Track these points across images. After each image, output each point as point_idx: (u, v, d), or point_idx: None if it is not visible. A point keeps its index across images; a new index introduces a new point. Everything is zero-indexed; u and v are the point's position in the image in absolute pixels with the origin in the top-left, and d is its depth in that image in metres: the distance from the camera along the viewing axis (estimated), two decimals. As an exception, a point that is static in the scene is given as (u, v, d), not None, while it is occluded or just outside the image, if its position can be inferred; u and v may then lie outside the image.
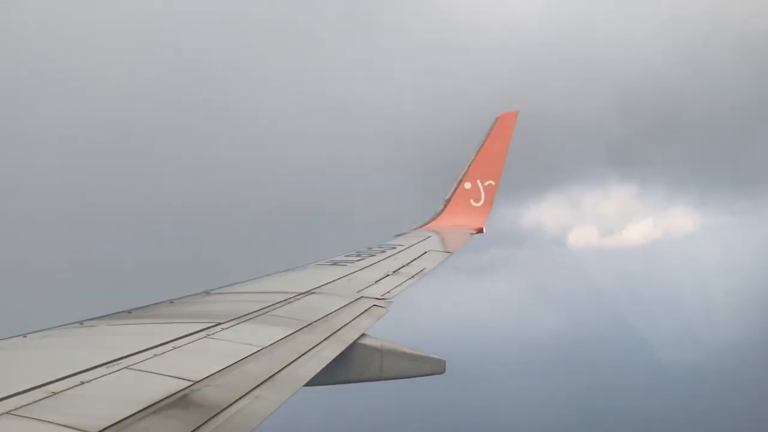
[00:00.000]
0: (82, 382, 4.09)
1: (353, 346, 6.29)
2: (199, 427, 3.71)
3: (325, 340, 5.91)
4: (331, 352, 5.64)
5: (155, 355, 4.79)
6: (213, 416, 3.87)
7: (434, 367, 6.78)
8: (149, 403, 3.84)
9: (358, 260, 10.49)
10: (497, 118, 16.96)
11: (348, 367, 6.26)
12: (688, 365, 24.85)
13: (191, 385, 4.23)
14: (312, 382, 5.45)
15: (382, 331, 6.78)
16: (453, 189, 16.66)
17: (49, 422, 3.45)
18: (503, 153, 16.74)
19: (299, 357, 5.26)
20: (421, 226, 15.82)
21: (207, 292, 7.68)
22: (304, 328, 6.11)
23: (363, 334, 6.54)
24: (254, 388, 4.43)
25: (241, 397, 4.22)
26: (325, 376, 5.88)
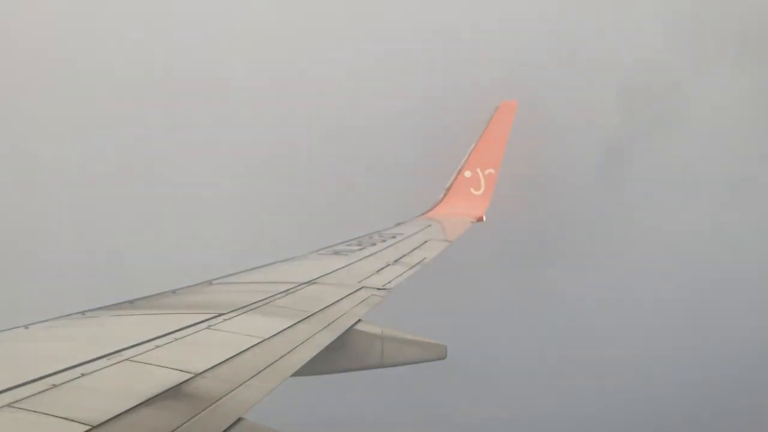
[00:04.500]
0: (83, 375, 4.07)
1: (354, 333, 6.29)
2: (190, 418, 3.70)
3: (323, 329, 5.91)
4: (326, 340, 5.64)
5: (157, 347, 4.77)
6: (204, 407, 3.86)
7: (436, 353, 6.81)
8: (149, 396, 3.82)
9: (358, 249, 10.49)
10: (497, 107, 16.95)
11: (350, 354, 6.28)
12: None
13: (192, 378, 4.22)
14: (314, 371, 5.46)
15: (384, 322, 6.79)
16: (453, 177, 16.65)
17: (49, 415, 3.43)
18: (503, 142, 16.73)
19: (296, 347, 5.25)
20: (421, 215, 15.81)
21: (209, 282, 7.67)
22: (306, 319, 6.11)
23: (364, 322, 6.55)
24: (249, 378, 4.42)
25: (234, 388, 4.21)
26: (328, 365, 5.90)
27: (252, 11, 29.25)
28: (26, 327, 5.28)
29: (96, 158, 26.78)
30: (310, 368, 5.32)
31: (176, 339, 5.04)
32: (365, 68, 29.06)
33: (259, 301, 6.58)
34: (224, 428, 3.73)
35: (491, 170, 16.61)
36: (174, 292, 6.96)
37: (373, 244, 11.09)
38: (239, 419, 3.86)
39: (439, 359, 6.85)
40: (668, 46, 29.06)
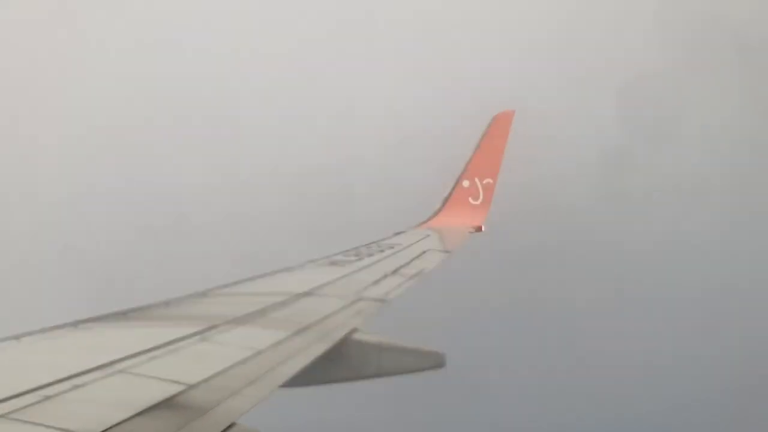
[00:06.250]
0: (76, 386, 4.06)
1: (351, 343, 6.29)
2: (182, 426, 3.71)
3: (319, 340, 5.90)
4: (320, 350, 5.62)
5: (150, 359, 4.78)
6: (197, 416, 3.88)
7: (433, 361, 6.80)
8: (143, 408, 3.81)
9: (356, 260, 10.46)
10: (494, 117, 17.03)
11: (347, 364, 6.27)
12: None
13: (185, 389, 4.22)
14: (312, 381, 5.44)
15: (381, 333, 6.77)
16: (451, 187, 16.70)
17: (42, 426, 3.42)
18: (501, 151, 16.79)
19: (290, 357, 5.25)
20: (419, 225, 15.83)
21: (203, 293, 7.63)
22: (301, 331, 6.08)
23: (360, 332, 6.54)
24: (242, 388, 4.43)
25: (227, 397, 4.22)
26: (325, 375, 5.89)
27: (254, 16, 29.39)
28: (18, 338, 5.25)
29: (90, 164, 26.83)
30: (308, 379, 5.32)
31: (170, 351, 5.04)
32: (364, 76, 29.18)
33: (254, 312, 6.56)
34: None
35: (489, 180, 16.66)
36: (167, 303, 6.93)
37: (371, 255, 11.07)
38: (232, 425, 3.88)
39: (437, 367, 6.83)
40: (668, 55, 29.17)
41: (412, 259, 10.98)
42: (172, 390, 4.17)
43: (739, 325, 26.28)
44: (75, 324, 5.90)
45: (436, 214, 16.33)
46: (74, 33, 27.84)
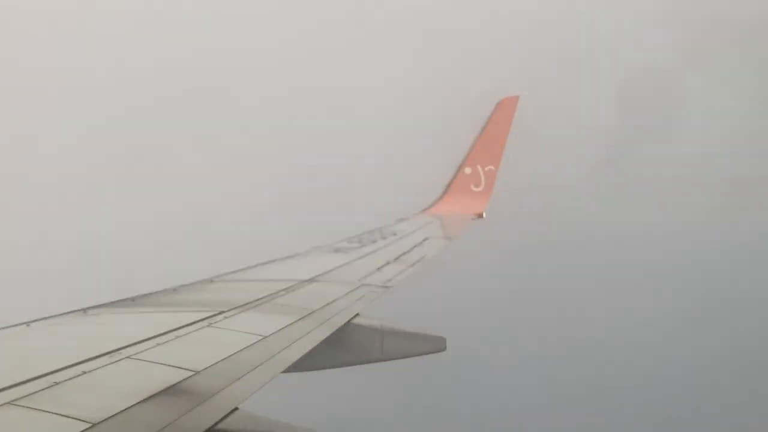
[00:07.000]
0: (84, 372, 4.09)
1: (354, 328, 6.35)
2: (186, 412, 3.74)
3: (322, 325, 5.96)
4: (323, 335, 5.67)
5: (158, 345, 4.80)
6: (201, 401, 3.91)
7: (435, 345, 6.88)
8: (148, 395, 3.84)
9: (359, 247, 10.53)
10: (498, 104, 16.92)
11: (350, 349, 6.34)
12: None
13: (192, 375, 4.25)
14: (316, 366, 5.51)
15: (384, 318, 6.84)
16: (453, 174, 16.67)
17: (49, 412, 3.45)
18: (503, 138, 16.70)
19: (294, 342, 5.30)
20: (422, 212, 15.84)
21: (211, 280, 7.70)
22: (306, 317, 6.14)
23: (363, 317, 6.61)
24: (246, 373, 4.47)
25: (231, 383, 4.26)
26: (329, 360, 5.97)
27: (255, 13, 29.35)
28: (28, 324, 5.31)
29: (98, 157, 26.90)
30: (312, 363, 5.38)
31: (177, 337, 5.08)
32: (367, 66, 29.14)
33: (260, 298, 6.62)
34: (220, 418, 3.79)
35: (491, 167, 16.60)
36: (175, 289, 6.99)
37: (374, 242, 11.13)
38: (234, 409, 3.92)
39: (439, 351, 6.93)
40: (669, 48, 29.12)
41: (414, 246, 11.02)
42: (177, 376, 4.20)
43: (738, 322, 26.39)
44: (84, 310, 5.96)
45: (438, 201, 16.32)
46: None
